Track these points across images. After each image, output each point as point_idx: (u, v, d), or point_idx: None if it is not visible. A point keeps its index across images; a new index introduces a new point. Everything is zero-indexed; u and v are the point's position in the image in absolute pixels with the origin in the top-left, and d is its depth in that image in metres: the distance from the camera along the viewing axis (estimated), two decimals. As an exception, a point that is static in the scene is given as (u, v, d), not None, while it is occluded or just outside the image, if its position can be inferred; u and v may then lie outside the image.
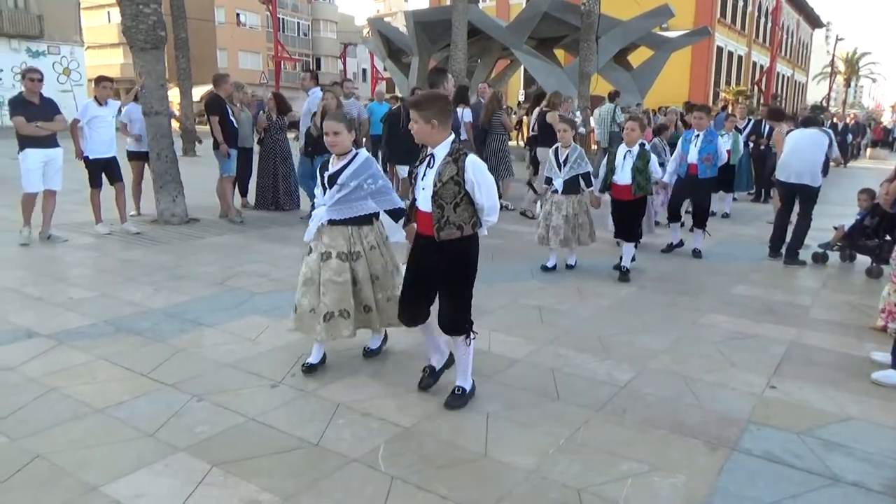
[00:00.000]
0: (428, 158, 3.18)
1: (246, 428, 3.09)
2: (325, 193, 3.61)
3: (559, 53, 24.52)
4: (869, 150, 27.04)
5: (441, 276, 3.23)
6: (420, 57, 21.27)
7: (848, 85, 64.30)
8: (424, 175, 3.18)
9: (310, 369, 3.69)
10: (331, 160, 3.65)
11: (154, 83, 7.74)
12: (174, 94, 16.58)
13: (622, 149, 6.03)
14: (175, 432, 3.02)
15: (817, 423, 3.28)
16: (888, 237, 6.37)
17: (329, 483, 2.64)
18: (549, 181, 6.24)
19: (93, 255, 6.53)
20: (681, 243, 7.28)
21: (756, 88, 35.65)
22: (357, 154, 3.62)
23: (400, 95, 16.20)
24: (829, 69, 52.26)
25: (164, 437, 2.97)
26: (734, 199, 10.98)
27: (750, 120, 12.91)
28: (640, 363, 3.99)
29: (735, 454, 2.96)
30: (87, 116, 7.26)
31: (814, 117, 7.82)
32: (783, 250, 7.02)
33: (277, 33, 31.18)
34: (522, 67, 26.31)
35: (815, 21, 54.31)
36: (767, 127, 12.00)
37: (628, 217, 6.08)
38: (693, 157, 6.90)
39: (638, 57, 22.31)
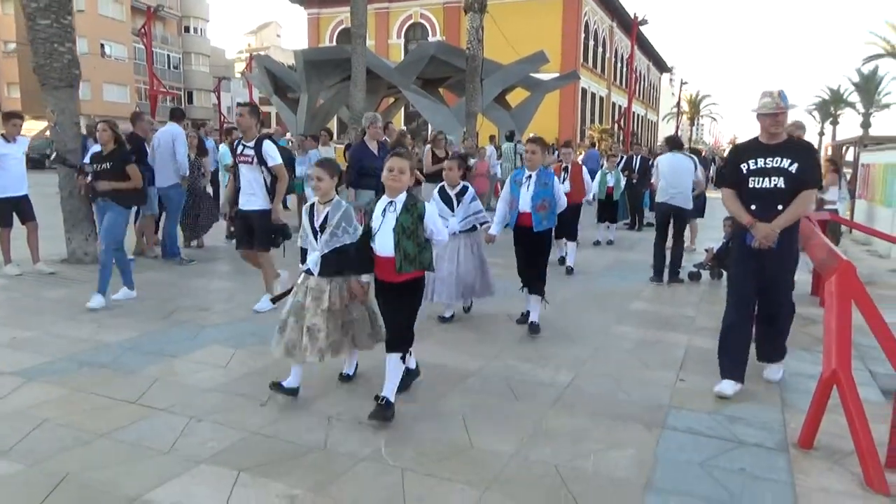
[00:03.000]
0: None
1: (253, 440, 3.41)
2: None
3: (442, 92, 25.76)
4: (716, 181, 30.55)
5: None
6: (309, 94, 21.62)
7: (692, 123, 71.50)
8: None
9: None
10: None
11: (68, 121, 7.67)
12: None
13: (382, 201, 3.78)
14: (188, 448, 3.29)
15: (720, 405, 4.09)
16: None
17: (349, 477, 3.06)
18: (303, 256, 4.02)
19: (14, 296, 6.37)
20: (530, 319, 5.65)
21: (617, 126, 38.97)
22: None
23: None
24: (675, 109, 57.95)
25: (181, 452, 3.24)
26: (607, 227, 12.29)
27: (621, 157, 14.47)
28: (574, 368, 4.68)
29: (665, 431, 3.67)
30: (-6, 153, 7.07)
31: (678, 139, 8.73)
32: (665, 275, 7.99)
33: (152, 66, 30.16)
34: (403, 106, 27.40)
35: (662, 66, 60.26)
36: (638, 161, 13.61)
37: (393, 310, 3.82)
38: (525, 203, 5.47)
39: (514, 97, 23.98)
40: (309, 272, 3.96)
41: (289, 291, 4.17)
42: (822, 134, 62.43)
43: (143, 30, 30.45)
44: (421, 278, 3.84)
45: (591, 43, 39.98)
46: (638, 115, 51.91)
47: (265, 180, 5.84)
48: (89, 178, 6.37)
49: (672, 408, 4.02)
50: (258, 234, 5.88)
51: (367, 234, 3.74)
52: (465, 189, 5.66)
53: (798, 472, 3.25)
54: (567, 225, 8.11)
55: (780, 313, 4.41)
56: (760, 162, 4.15)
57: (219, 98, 47.07)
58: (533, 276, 5.61)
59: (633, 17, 36.44)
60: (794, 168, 4.06)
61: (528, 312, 5.65)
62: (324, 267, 3.91)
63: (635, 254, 10.18)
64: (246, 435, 3.47)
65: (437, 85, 23.61)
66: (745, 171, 4.20)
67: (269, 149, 5.79)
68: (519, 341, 5.34)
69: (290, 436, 3.47)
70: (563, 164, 8.99)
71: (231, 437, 3.43)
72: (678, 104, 58.00)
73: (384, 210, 3.74)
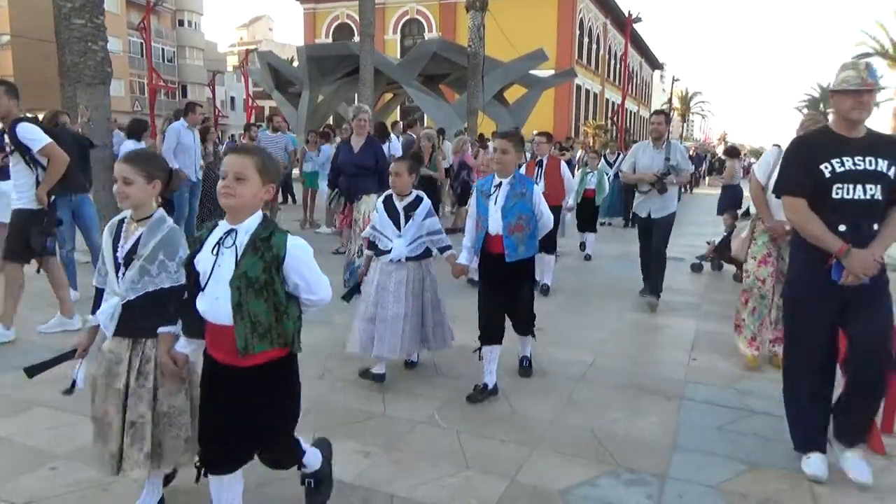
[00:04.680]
0: None
1: (316, 409, 3.79)
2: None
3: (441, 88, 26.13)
4: (708, 178, 31.21)
5: None
6: (310, 89, 21.94)
7: (684, 120, 72.25)
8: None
9: None
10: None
11: (101, 117, 7.99)
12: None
13: (220, 228, 2.31)
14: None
15: (731, 380, 4.52)
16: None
17: (412, 436, 3.47)
18: (97, 301, 2.69)
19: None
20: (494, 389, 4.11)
21: (611, 123, 39.50)
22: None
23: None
24: (667, 106, 58.60)
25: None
26: (609, 225, 12.79)
27: (618, 154, 14.87)
28: (595, 349, 5.10)
29: (684, 401, 4.10)
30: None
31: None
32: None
33: (151, 60, 30.32)
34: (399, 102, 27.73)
35: (654, 63, 60.87)
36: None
37: (240, 414, 2.31)
38: (494, 223, 3.99)
39: (511, 94, 24.39)
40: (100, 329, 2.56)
41: (57, 360, 2.63)
42: (811, 131, 63.14)
43: (142, 24, 30.56)
44: (287, 361, 2.39)
45: (586, 40, 40.44)
46: (631, 112, 52.47)
47: (32, 175, 4.85)
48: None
49: (688, 382, 4.45)
50: (8, 235, 4.88)
51: (191, 281, 2.31)
52: (418, 200, 4.16)
53: (804, 434, 3.68)
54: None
55: (874, 376, 3.05)
56: (848, 162, 2.95)
57: (213, 92, 47.18)
58: (520, 313, 4.30)
59: (627, 14, 36.88)
60: (892, 172, 2.94)
61: (485, 385, 4.06)
62: (124, 322, 2.48)
63: (636, 246, 10.59)
64: (310, 405, 3.84)
65: (437, 81, 24.00)
66: (828, 175, 2.96)
67: (24, 131, 4.70)
68: (542, 324, 5.73)
69: (351, 404, 3.87)
70: (538, 158, 7.06)
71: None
72: (669, 101, 58.64)
73: (217, 244, 2.25)
